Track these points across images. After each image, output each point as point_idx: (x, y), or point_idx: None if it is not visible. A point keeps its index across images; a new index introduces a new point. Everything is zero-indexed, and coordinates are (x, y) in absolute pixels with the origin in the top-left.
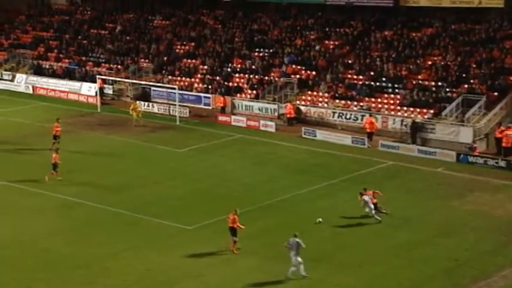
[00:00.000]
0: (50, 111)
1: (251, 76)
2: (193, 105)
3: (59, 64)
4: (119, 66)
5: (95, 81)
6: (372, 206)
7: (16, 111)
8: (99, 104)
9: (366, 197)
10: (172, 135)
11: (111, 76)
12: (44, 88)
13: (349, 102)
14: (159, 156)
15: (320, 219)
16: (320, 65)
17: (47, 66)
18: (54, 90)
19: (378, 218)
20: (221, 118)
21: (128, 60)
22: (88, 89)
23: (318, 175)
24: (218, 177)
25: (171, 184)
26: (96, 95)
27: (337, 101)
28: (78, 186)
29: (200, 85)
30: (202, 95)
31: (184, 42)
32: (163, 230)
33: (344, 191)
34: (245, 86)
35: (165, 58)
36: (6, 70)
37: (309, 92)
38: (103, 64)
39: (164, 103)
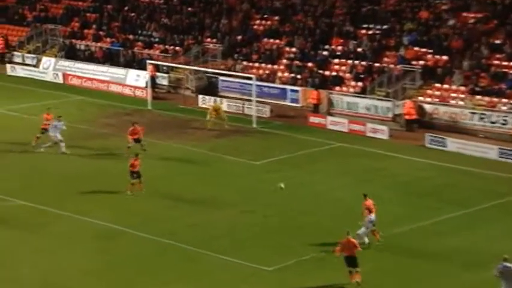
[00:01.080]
0: (84, 108)
1: (356, 62)
2: (275, 102)
3: (98, 45)
4: (177, 48)
5: (144, 68)
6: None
7: (41, 107)
8: (149, 98)
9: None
10: (247, 142)
11: (167, 61)
12: (77, 76)
13: (495, 99)
14: (228, 171)
15: (282, 185)
16: (454, 46)
17: (82, 48)
18: (90, 80)
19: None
20: (313, 120)
21: (189, 40)
22: (135, 79)
23: (448, 201)
24: (307, 200)
25: (244, 209)
26: (147, 86)
27: (478, 97)
28: (117, 210)
29: (285, 74)
30: (288, 87)
31: (265, 16)
32: (233, 271)
33: (487, 224)
34: (347, 75)
35: (239, 37)
36: (29, 52)
37: (437, 85)
38: (156, 45)
39: (236, 98)
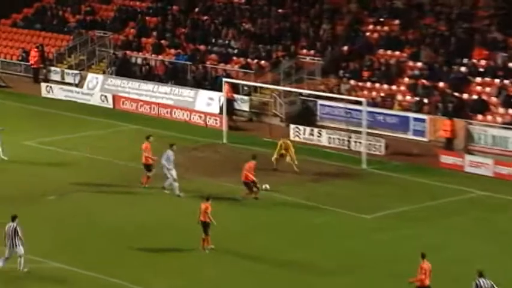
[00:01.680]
0: (140, 140)
1: (506, 82)
2: (393, 135)
3: (160, 58)
4: (263, 63)
5: (219, 89)
6: None
7: (85, 138)
8: (225, 128)
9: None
10: (354, 188)
11: (248, 80)
12: (132, 99)
13: None
14: (330, 227)
15: (266, 186)
16: None
17: (139, 62)
18: (149, 104)
19: None
20: (445, 159)
21: (279, 52)
22: (207, 102)
23: None
24: (439, 273)
25: (350, 281)
26: (221, 112)
27: None
28: (184, 276)
29: (408, 97)
30: (410, 115)
31: (382, 19)
32: None
33: None
34: (494, 100)
35: (345, 48)
36: (70, 67)
37: None
38: (235, 58)
39: (340, 129)
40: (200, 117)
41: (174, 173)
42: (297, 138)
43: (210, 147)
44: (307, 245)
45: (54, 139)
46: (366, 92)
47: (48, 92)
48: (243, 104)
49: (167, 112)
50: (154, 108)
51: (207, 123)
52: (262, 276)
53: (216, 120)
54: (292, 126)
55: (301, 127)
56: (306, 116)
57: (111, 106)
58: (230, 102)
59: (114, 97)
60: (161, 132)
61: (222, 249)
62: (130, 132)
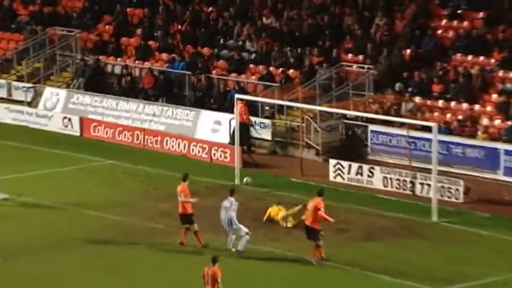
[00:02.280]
0: (118, 182)
1: None
2: (475, 174)
3: (146, 65)
4: (291, 72)
5: (230, 110)
6: None
7: (40, 178)
8: (238, 165)
9: None
10: (421, 250)
11: (271, 96)
12: (107, 124)
13: None
14: None
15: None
16: None
17: (117, 71)
18: (130, 130)
19: None
20: None
21: (314, 57)
22: (212, 128)
23: None
24: None
25: None
26: (233, 141)
27: None
28: None
29: (496, 121)
30: (500, 147)
31: (459, 11)
32: None
33: None
34: None
35: (407, 51)
36: (20, 79)
37: None
38: (251, 66)
39: (401, 166)
40: (203, 148)
41: (236, 224)
42: (338, 179)
43: (217, 192)
44: None
45: None
46: (436, 114)
47: None
48: (263, 130)
49: (156, 141)
50: (138, 136)
51: (213, 157)
52: None
53: (225, 153)
54: (332, 161)
55: (345, 163)
56: (351, 147)
57: (77, 133)
58: (245, 127)
59: (81, 120)
60: (147, 169)
61: None
62: (103, 169)
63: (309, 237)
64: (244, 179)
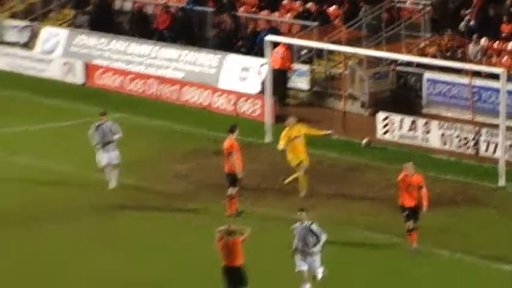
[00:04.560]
0: (130, 138)
1: None
2: None
3: (161, 1)
4: (332, 9)
5: (260, 53)
6: None
7: (37, 134)
8: (269, 118)
9: None
10: (487, 220)
11: (308, 38)
12: (115, 71)
13: None
14: (442, 284)
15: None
16: None
17: (128, 7)
18: (143, 78)
19: None
20: None
21: None
22: (240, 76)
23: None
24: None
25: None
26: (263, 92)
27: None
28: None
29: None
30: None
31: None
32: None
33: None
34: None
35: None
36: (13, 16)
37: None
38: (285, 1)
39: (461, 121)
40: (227, 99)
41: None
42: (388, 136)
43: (245, 151)
44: None
45: None
46: (505, 59)
47: None
48: (299, 78)
49: (173, 92)
50: (151, 85)
51: (239, 110)
52: None
53: (253, 104)
54: (380, 115)
55: (395, 117)
56: (404, 98)
57: (80, 80)
58: (280, 75)
59: (86, 66)
60: (162, 124)
61: None
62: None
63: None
64: (364, 140)
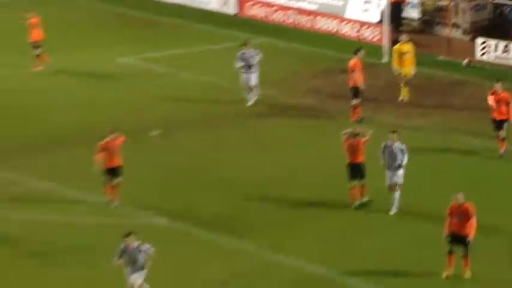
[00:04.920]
0: (272, 59)
1: None
2: None
3: None
4: None
5: None
6: None
7: (198, 55)
8: (386, 43)
9: None
10: None
11: None
12: (262, 3)
13: None
14: None
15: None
16: None
17: None
18: (284, 9)
19: None
20: None
21: None
22: (362, 8)
23: None
24: None
25: None
26: (381, 21)
27: None
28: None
29: None
30: None
31: None
32: None
33: None
34: None
35: None
36: None
37: None
38: None
39: None
40: (352, 27)
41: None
42: (484, 57)
43: (366, 69)
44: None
45: (158, 55)
46: None
47: None
48: (411, 9)
49: (308, 21)
50: (290, 16)
51: (362, 36)
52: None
53: (373, 31)
54: (479, 40)
55: (492, 41)
56: (499, 26)
57: (232, 11)
58: (396, 6)
59: (238, 0)
60: (300, 47)
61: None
62: (256, 48)
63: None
64: (465, 61)
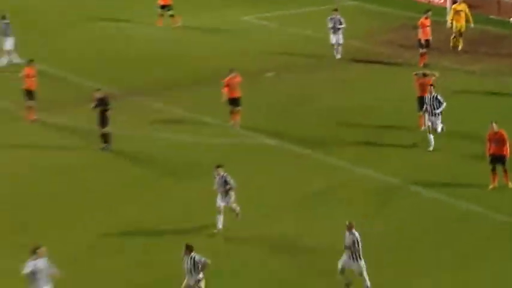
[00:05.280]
0: (356, 18)
1: None
2: None
3: None
4: None
5: None
6: None
7: (305, 15)
8: (448, 5)
9: None
10: None
11: None
12: None
13: None
14: None
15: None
16: None
17: None
18: None
19: None
20: None
21: None
22: None
23: None
24: None
25: None
26: None
27: None
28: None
29: None
30: None
31: None
32: None
33: None
34: None
35: None
36: None
37: None
38: None
39: None
40: None
41: None
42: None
43: (432, 26)
44: None
45: (271, 15)
46: None
47: None
48: None
49: None
50: None
51: None
52: None
53: None
54: None
55: None
56: None
57: None
58: None
59: None
60: (379, 8)
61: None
62: (347, 9)
63: None
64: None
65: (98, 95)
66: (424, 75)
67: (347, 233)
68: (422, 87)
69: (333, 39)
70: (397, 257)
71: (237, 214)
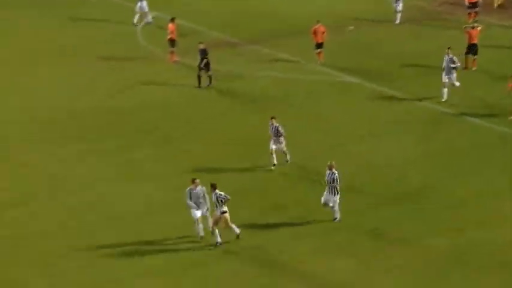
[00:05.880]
0: None
1: None
2: None
3: None
4: None
5: None
6: None
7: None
8: None
9: None
10: None
11: None
12: None
13: None
14: None
15: None
16: None
17: None
18: None
19: None
20: None
21: None
22: None
23: None
24: None
25: None
26: None
27: None
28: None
29: None
30: None
31: None
32: None
33: None
34: None
35: None
36: None
37: None
38: None
39: None
40: None
41: None
42: None
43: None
44: None
45: None
46: None
47: None
48: None
49: None
50: None
51: None
52: None
53: None
54: None
55: None
56: None
57: None
58: None
59: None
60: None
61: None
62: None
63: None
64: None
65: (202, 46)
66: (472, 27)
67: (328, 172)
68: (471, 36)
69: (395, 7)
70: (449, 163)
71: (287, 159)
